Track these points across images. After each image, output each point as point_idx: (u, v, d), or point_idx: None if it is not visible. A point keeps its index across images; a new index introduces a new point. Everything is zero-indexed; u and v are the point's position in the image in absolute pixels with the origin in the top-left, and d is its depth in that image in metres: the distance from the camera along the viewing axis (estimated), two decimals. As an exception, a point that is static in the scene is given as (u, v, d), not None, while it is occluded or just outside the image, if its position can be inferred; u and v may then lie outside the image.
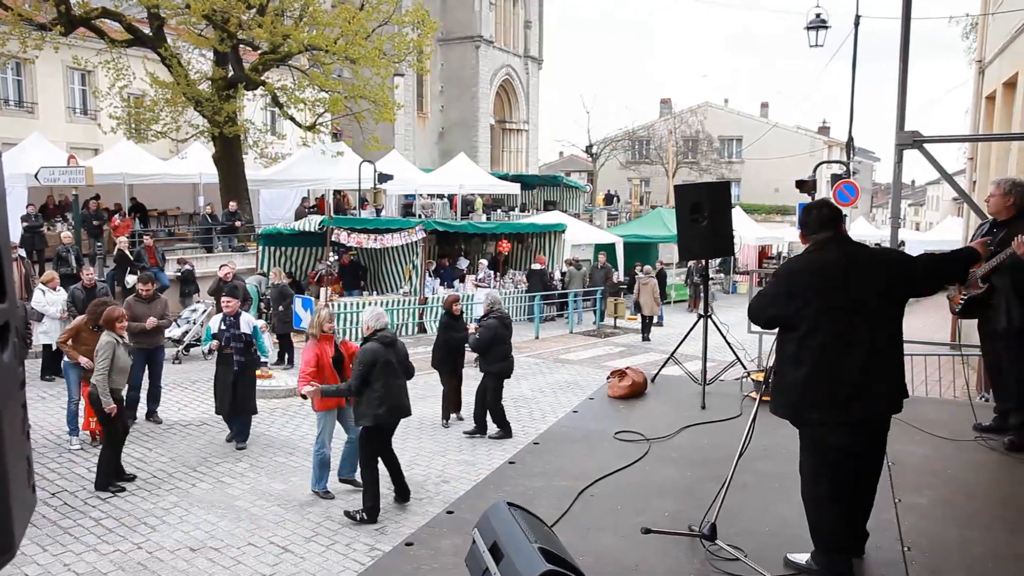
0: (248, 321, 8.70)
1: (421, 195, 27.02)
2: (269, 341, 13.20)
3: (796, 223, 3.52)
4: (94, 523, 6.57)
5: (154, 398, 9.52)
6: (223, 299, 8.88)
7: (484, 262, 19.38)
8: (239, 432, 8.68)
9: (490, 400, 9.24)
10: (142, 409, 9.45)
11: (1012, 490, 4.31)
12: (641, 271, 19.18)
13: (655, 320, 18.29)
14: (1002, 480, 4.47)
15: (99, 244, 17.60)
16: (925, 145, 6.34)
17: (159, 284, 11.02)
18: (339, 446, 7.46)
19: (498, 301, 9.72)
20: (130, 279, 14.27)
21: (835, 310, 3.16)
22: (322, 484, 7.27)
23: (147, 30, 19.47)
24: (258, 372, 11.39)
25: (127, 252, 15.32)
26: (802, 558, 3.35)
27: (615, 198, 39.49)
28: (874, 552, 3.46)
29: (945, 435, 5.03)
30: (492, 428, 9.34)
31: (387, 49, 20.66)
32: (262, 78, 20.22)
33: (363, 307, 15.87)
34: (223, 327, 8.51)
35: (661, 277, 21.86)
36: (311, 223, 16.47)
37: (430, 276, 17.80)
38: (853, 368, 3.14)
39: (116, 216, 18.59)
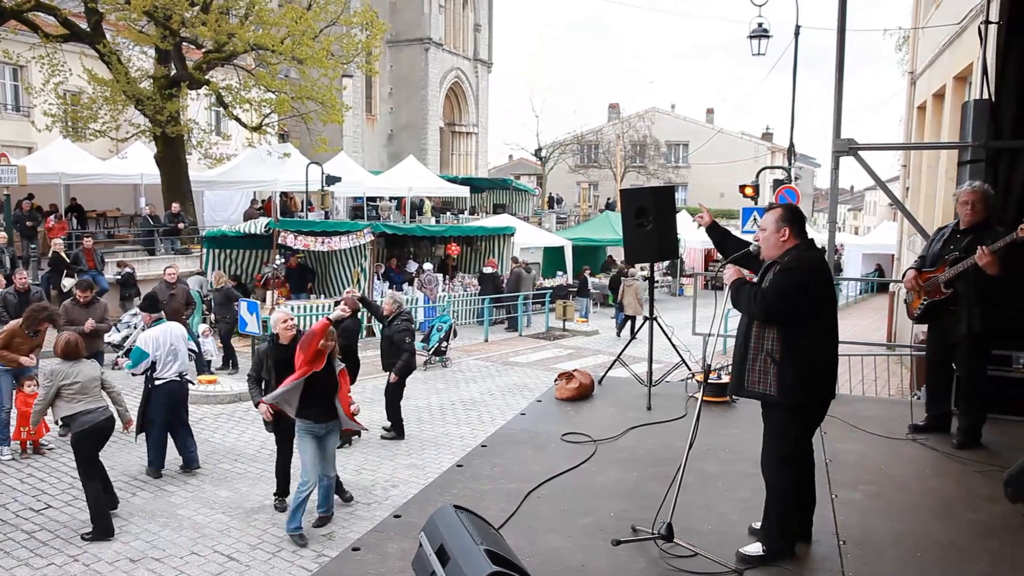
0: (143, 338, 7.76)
1: (382, 198, 26.81)
2: (213, 345, 12.92)
3: (781, 219, 3.62)
4: (26, 536, 6.34)
5: (92, 405, 9.22)
6: (142, 315, 7.93)
7: (429, 266, 19.27)
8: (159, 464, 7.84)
9: (394, 397, 9.33)
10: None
11: (940, 483, 4.50)
12: (605, 272, 19.38)
13: (637, 321, 18.49)
14: (931, 474, 4.66)
15: (33, 246, 16.97)
16: (860, 152, 6.56)
17: (98, 288, 10.68)
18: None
19: (401, 301, 9.68)
20: (66, 282, 13.82)
21: (832, 303, 3.66)
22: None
23: (84, 25, 18.85)
24: (201, 378, 11.14)
25: (63, 254, 14.82)
26: (755, 549, 3.49)
27: (557, 202, 39.93)
28: (812, 546, 3.59)
29: (879, 432, 5.23)
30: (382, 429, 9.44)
31: (335, 50, 20.42)
32: (206, 77, 19.78)
33: (310, 310, 15.69)
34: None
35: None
36: (257, 225, 16.19)
37: (379, 279, 17.66)
38: (835, 354, 3.60)
39: (51, 217, 17.96)
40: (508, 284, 19.78)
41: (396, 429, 9.39)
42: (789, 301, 3.43)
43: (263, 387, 6.75)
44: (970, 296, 4.81)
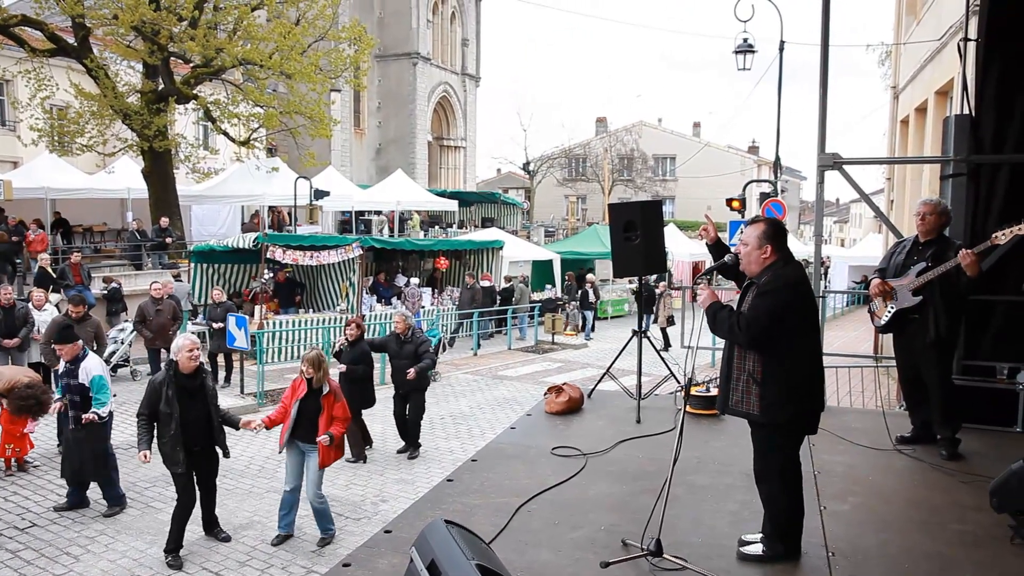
0: (88, 369, 6.97)
1: (376, 212, 26.77)
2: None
3: (764, 236, 3.61)
4: (10, 555, 6.27)
5: (78, 422, 9.13)
6: (54, 345, 7.16)
7: (416, 281, 19.17)
8: (74, 500, 7.24)
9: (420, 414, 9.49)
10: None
11: (927, 494, 4.53)
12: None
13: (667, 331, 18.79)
14: (918, 485, 4.70)
15: (18, 260, 16.84)
16: (845, 166, 6.65)
17: (88, 304, 10.60)
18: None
19: (410, 317, 9.83)
20: (53, 297, 13.71)
21: (814, 320, 3.67)
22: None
23: (71, 40, 18.83)
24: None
25: (48, 269, 14.72)
26: (755, 549, 3.60)
27: (525, 213, 40.38)
28: (801, 557, 3.62)
29: (866, 444, 5.28)
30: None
31: (323, 65, 20.48)
32: (194, 92, 19.78)
33: (299, 325, 15.64)
34: (62, 375, 7.11)
35: (595, 292, 22.00)
36: (245, 240, 16.14)
37: (367, 293, 17.63)
38: (819, 369, 3.67)
39: (29, 231, 17.78)
40: (463, 302, 19.00)
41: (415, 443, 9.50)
42: (772, 324, 3.46)
43: (155, 424, 6.12)
44: (937, 303, 4.96)
